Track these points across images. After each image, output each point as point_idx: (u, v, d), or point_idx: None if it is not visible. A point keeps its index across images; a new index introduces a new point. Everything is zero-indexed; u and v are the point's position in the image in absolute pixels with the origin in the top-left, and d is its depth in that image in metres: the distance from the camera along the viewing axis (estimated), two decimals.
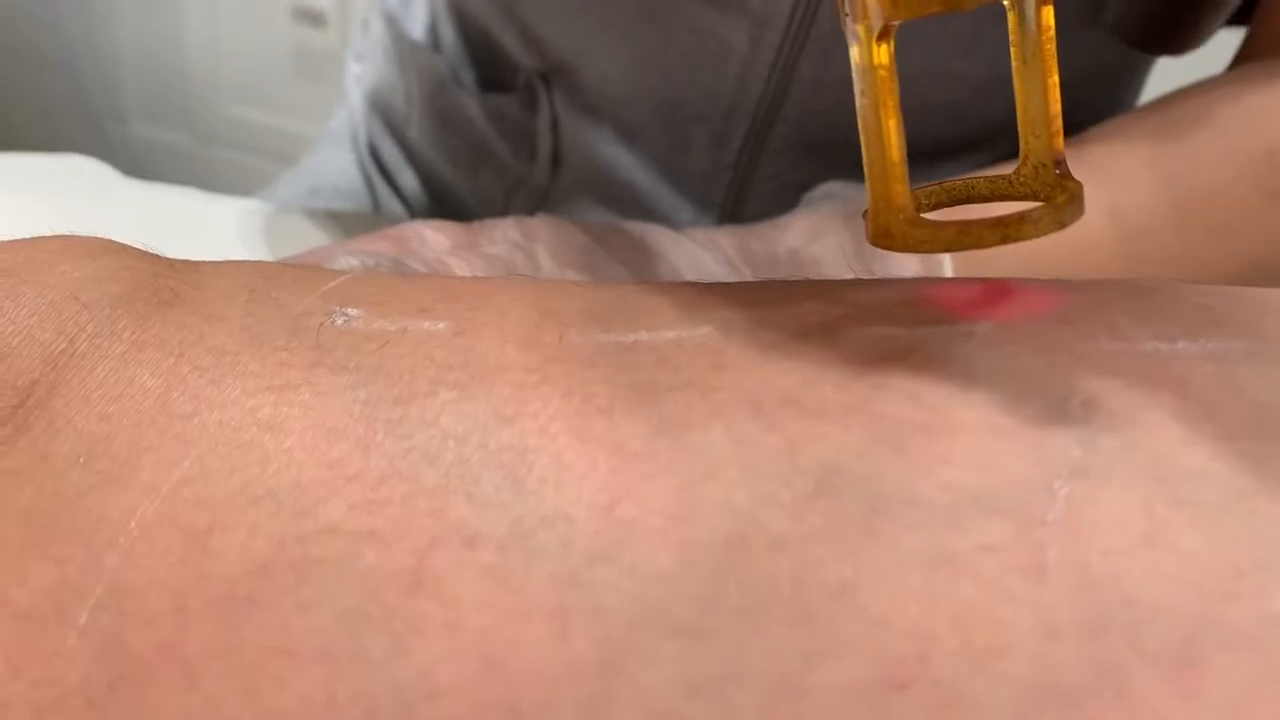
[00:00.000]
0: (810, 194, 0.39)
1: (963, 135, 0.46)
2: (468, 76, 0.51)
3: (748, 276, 0.34)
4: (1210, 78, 0.41)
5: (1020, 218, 0.17)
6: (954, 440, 0.16)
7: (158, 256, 0.21)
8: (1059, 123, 0.18)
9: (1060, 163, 0.18)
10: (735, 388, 0.17)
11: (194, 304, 0.19)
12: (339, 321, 0.19)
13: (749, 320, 0.18)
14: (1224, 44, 0.49)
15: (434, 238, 0.30)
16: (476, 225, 0.31)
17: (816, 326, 0.18)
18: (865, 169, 0.18)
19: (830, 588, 0.14)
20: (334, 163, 0.60)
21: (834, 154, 0.46)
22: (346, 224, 0.48)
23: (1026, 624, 0.14)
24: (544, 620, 0.15)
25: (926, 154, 0.47)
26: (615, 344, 0.18)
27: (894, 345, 0.17)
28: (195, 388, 0.18)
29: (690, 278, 0.33)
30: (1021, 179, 0.19)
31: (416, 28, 0.54)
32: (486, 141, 0.51)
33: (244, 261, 0.21)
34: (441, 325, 0.19)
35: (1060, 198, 0.18)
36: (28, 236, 0.20)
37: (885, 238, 0.17)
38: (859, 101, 0.17)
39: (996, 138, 0.46)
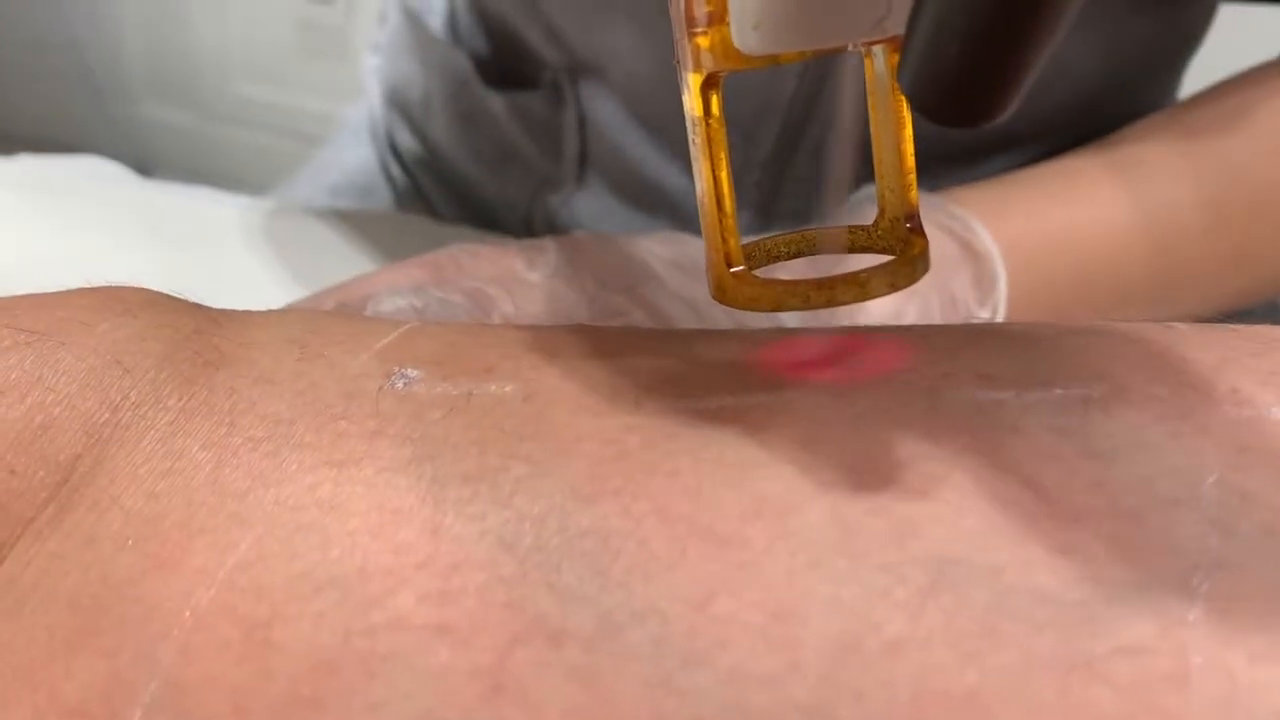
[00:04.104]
0: (856, 195, 0.38)
1: (1004, 130, 0.45)
2: (489, 71, 0.50)
3: None
4: (1259, 66, 0.39)
5: (847, 279, 0.17)
6: (1079, 526, 0.14)
7: (198, 307, 0.20)
8: (913, 176, 0.18)
9: (912, 218, 0.18)
10: (834, 463, 0.15)
11: (242, 365, 0.18)
12: (399, 384, 0.17)
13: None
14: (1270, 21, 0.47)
15: (472, 265, 0.29)
16: (515, 247, 0.30)
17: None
18: (700, 221, 0.17)
19: (954, 697, 0.13)
20: (354, 158, 0.59)
21: (870, 155, 0.45)
22: (365, 225, 0.47)
23: None
24: None
25: (968, 151, 0.45)
26: (695, 410, 0.17)
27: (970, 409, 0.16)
28: (249, 462, 0.16)
29: None
30: (880, 232, 0.18)
31: (435, 21, 0.52)
32: (511, 140, 0.50)
33: (289, 311, 0.20)
34: (509, 388, 0.17)
35: (906, 255, 0.17)
36: (62, 290, 0.19)
37: (719, 292, 0.17)
38: (691, 151, 0.17)
39: (1041, 133, 0.45)
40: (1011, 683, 0.13)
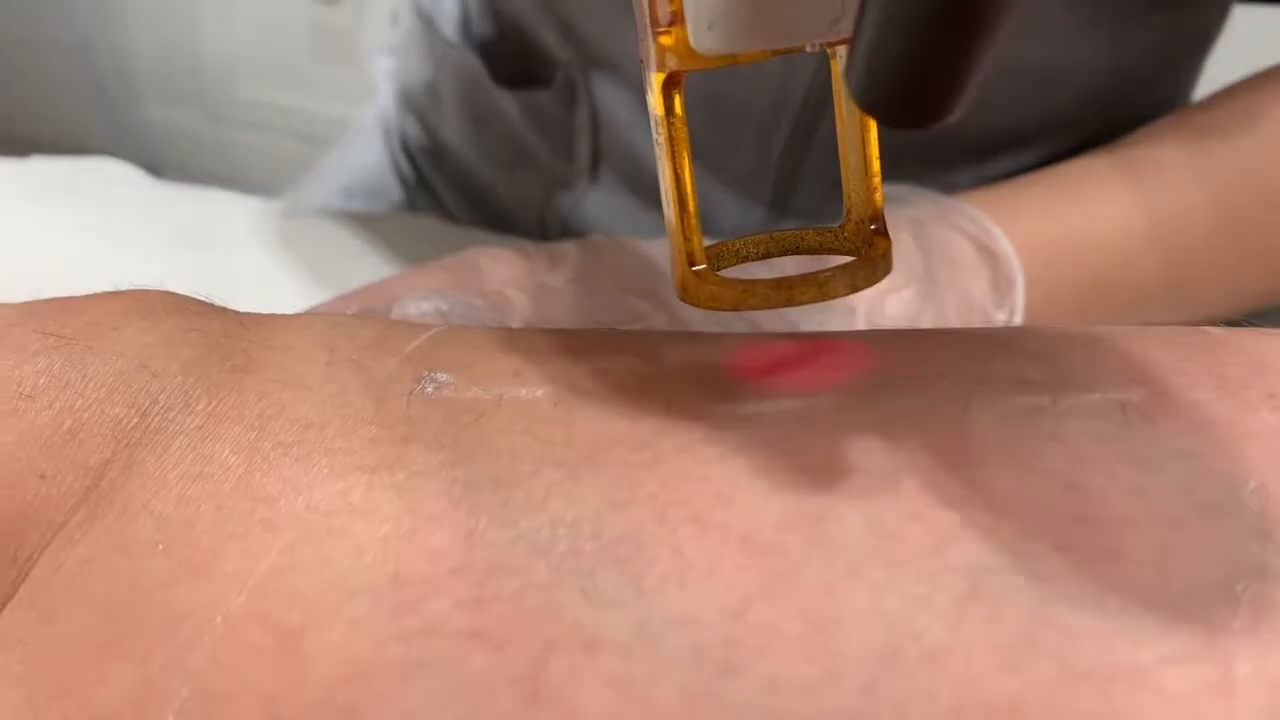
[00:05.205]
0: None
1: (1019, 128, 0.45)
2: (501, 72, 0.50)
3: None
4: (1271, 68, 0.39)
5: (806, 279, 0.17)
6: (1122, 533, 0.14)
7: (224, 311, 0.20)
8: (878, 179, 0.18)
9: (877, 219, 0.18)
10: (869, 469, 0.15)
11: (271, 368, 0.18)
12: (429, 389, 0.17)
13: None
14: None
15: (491, 268, 0.28)
16: (535, 251, 0.30)
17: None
18: (665, 220, 0.17)
19: (995, 707, 0.13)
20: (366, 160, 0.59)
21: (886, 152, 0.44)
22: (379, 227, 0.47)
23: None
24: None
25: (977, 150, 0.45)
26: (729, 415, 0.17)
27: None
28: (280, 466, 0.16)
29: None
30: (846, 234, 0.18)
31: (447, 23, 0.52)
32: (524, 140, 0.50)
33: (316, 315, 0.20)
34: (539, 393, 0.17)
35: (868, 256, 0.18)
36: (89, 294, 0.19)
37: (682, 291, 0.17)
38: (655, 151, 0.17)
39: (1055, 131, 0.45)
40: (1054, 692, 0.13)
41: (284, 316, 0.20)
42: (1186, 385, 0.16)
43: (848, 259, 0.18)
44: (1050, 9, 0.39)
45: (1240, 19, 0.46)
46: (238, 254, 0.43)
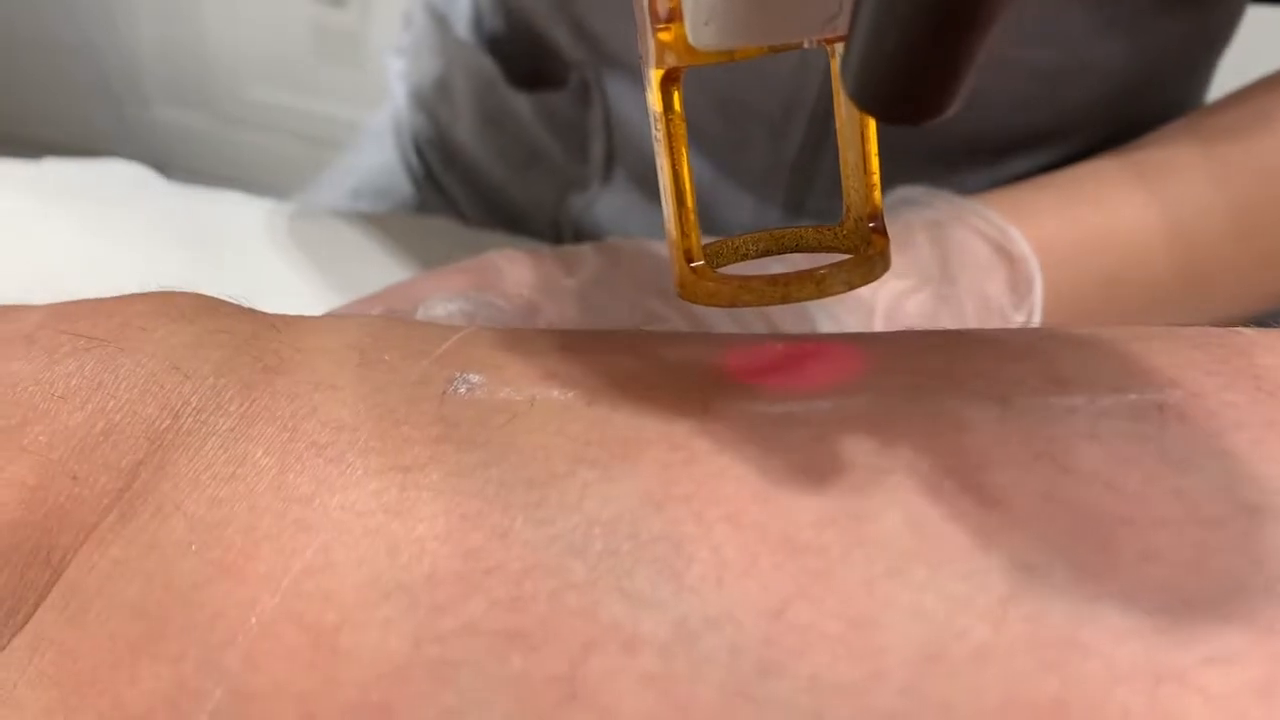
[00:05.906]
0: (885, 198, 0.38)
1: (1032, 127, 0.45)
2: (515, 73, 0.50)
3: None
4: None
5: (802, 276, 0.17)
6: (1161, 534, 0.14)
7: (255, 313, 0.20)
8: (876, 177, 0.18)
9: (875, 218, 0.18)
10: (905, 469, 0.15)
11: (302, 370, 0.18)
12: (461, 389, 0.17)
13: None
14: None
15: (511, 271, 0.28)
16: (552, 255, 0.30)
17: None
18: (664, 217, 0.17)
19: (1040, 706, 0.13)
20: (376, 161, 0.59)
21: (901, 154, 0.44)
22: (393, 228, 0.47)
23: None
24: None
25: (995, 150, 0.45)
26: (764, 415, 0.17)
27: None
28: (313, 467, 0.16)
29: None
30: (845, 232, 0.19)
31: (460, 21, 0.52)
32: (537, 141, 0.50)
33: (344, 317, 0.20)
34: (571, 393, 0.17)
35: (864, 254, 0.18)
36: (117, 296, 0.19)
37: (680, 288, 0.17)
38: (654, 146, 0.17)
39: (1069, 133, 0.45)
40: (1098, 693, 0.13)
41: (313, 318, 0.20)
42: (1221, 386, 0.16)
43: (846, 256, 0.18)
44: (1065, 9, 0.39)
45: (1252, 21, 0.46)
46: (252, 256, 0.43)
